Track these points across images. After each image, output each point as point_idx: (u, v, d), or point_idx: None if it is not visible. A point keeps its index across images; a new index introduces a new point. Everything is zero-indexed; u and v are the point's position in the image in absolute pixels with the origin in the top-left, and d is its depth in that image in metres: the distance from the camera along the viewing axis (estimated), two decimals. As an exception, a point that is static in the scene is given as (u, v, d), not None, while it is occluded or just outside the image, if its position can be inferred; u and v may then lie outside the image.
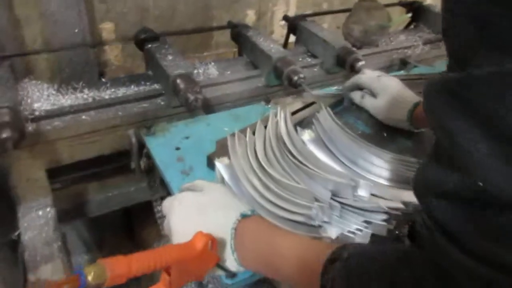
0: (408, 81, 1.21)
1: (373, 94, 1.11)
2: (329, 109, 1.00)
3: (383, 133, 1.06)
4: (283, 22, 2.07)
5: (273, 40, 1.29)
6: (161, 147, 0.95)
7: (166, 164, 0.90)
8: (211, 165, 0.89)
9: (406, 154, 1.00)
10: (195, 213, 0.68)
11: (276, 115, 0.93)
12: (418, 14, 1.68)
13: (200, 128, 1.02)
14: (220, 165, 0.82)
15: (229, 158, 0.85)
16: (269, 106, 1.12)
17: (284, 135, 0.86)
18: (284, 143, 0.86)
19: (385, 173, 0.84)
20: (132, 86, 1.15)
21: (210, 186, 0.74)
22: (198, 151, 0.94)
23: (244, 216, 0.65)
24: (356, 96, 1.14)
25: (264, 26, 2.00)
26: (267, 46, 1.24)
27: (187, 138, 0.99)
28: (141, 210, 1.35)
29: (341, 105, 1.16)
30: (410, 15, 1.45)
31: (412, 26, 1.72)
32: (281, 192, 0.75)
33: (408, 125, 1.02)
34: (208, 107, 1.13)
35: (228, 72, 1.27)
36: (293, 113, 1.05)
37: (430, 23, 1.64)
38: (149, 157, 1.02)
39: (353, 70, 1.27)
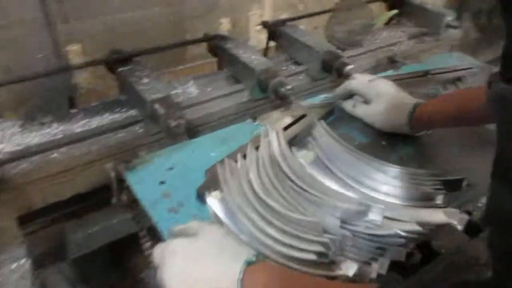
0: (399, 81, 1.15)
1: (366, 101, 1.03)
2: (324, 124, 0.92)
3: (381, 141, 0.99)
4: (259, 27, 1.99)
5: (254, 50, 1.21)
6: (144, 182, 0.85)
7: (151, 202, 0.81)
8: (202, 199, 0.79)
9: (409, 162, 0.93)
10: (191, 264, 0.59)
11: (267, 135, 0.84)
12: (399, 8, 1.62)
13: (184, 156, 0.93)
14: (212, 201, 0.73)
15: (222, 190, 0.77)
16: (257, 123, 1.04)
17: (279, 158, 0.78)
18: (280, 167, 0.77)
19: (395, 191, 0.76)
20: (106, 115, 1.05)
21: (205, 228, 0.65)
22: (185, 184, 0.85)
23: (249, 263, 0.57)
24: (347, 105, 1.07)
25: (239, 33, 1.91)
26: (248, 58, 1.15)
27: (171, 169, 0.89)
28: (127, 240, 1.25)
29: (333, 115, 1.08)
30: (396, 11, 1.38)
31: (394, 21, 1.65)
32: (286, 227, 0.67)
33: (408, 129, 0.95)
34: (192, 131, 1.03)
35: (209, 89, 1.18)
36: (284, 129, 0.97)
37: (412, 16, 1.58)
38: (131, 190, 0.92)
39: (341, 75, 1.19)
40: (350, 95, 1.08)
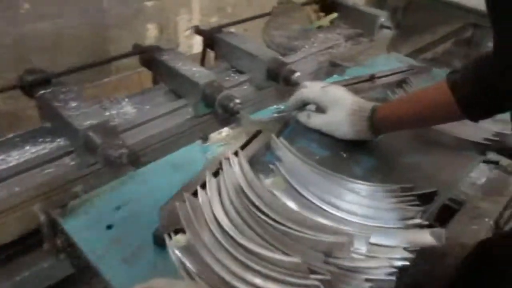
0: (347, 87, 1.11)
1: (322, 109, 0.98)
2: (285, 142, 0.85)
3: (342, 153, 0.94)
4: (188, 32, 1.88)
5: (193, 62, 1.10)
6: (87, 229, 0.72)
7: (99, 254, 0.68)
8: (161, 244, 0.68)
9: (375, 175, 0.89)
10: None
11: (226, 159, 0.75)
12: (332, 10, 1.60)
13: (133, 190, 0.80)
14: (174, 249, 0.62)
15: (184, 232, 0.66)
16: (208, 143, 0.94)
17: (246, 188, 0.69)
18: (248, 198, 0.69)
19: (373, 212, 0.71)
20: (28, 147, 0.89)
21: (173, 285, 0.55)
22: (138, 226, 0.73)
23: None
24: (302, 116, 1.01)
25: (168, 40, 1.79)
26: (189, 71, 1.05)
27: (118, 208, 0.76)
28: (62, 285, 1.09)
29: (288, 127, 1.02)
30: (336, 15, 1.36)
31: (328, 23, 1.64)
32: (266, 270, 0.58)
33: (369, 134, 0.92)
34: (134, 159, 0.91)
35: (147, 107, 1.06)
36: (241, 148, 0.88)
37: (346, 18, 1.57)
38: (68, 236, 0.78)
39: (288, 83, 1.14)
40: (303, 105, 1.02)
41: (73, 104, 0.89)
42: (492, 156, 1.02)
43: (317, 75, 1.38)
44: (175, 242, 0.64)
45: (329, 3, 1.59)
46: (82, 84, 1.53)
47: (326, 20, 1.35)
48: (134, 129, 0.98)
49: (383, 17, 1.49)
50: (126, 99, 1.05)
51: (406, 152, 0.97)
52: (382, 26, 1.51)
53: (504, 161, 1.07)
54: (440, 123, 0.96)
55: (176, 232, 0.68)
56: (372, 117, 0.90)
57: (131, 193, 0.80)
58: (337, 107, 0.94)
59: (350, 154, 0.94)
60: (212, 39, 1.27)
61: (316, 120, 0.98)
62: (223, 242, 0.64)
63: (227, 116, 1.05)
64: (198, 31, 1.33)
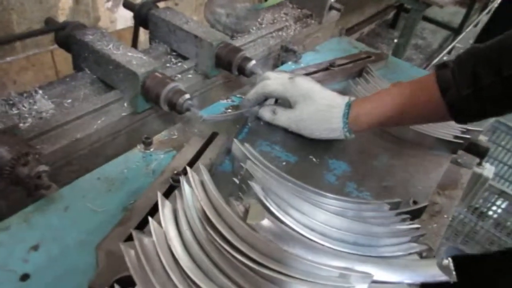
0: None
1: (287, 104, 0.84)
2: (251, 149, 0.70)
3: (311, 158, 0.82)
4: (110, 3, 1.62)
5: (125, 45, 0.90)
6: (-7, 283, 0.52)
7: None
8: (101, 299, 0.51)
9: (346, 181, 0.79)
10: None
11: (185, 180, 0.58)
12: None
13: (54, 220, 0.60)
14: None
15: (131, 282, 0.50)
16: (152, 149, 0.76)
17: (215, 220, 0.54)
18: (218, 232, 0.53)
19: (369, 239, 0.59)
20: None
21: None
22: (64, 273, 0.54)
23: None
24: (265, 113, 0.86)
25: (86, 12, 1.52)
26: (122, 56, 0.84)
27: (35, 248, 0.56)
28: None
29: (245, 127, 0.86)
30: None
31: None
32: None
33: (344, 133, 0.80)
34: (56, 175, 0.70)
35: (69, 101, 0.84)
36: (195, 156, 0.72)
37: (292, -3, 1.43)
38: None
39: (243, 73, 0.98)
40: (265, 99, 0.87)
41: (-35, 101, 0.66)
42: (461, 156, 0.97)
43: (267, 61, 1.24)
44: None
45: (275, -21, 1.44)
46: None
47: (276, 0, 1.20)
48: (53, 131, 0.76)
49: (333, -2, 1.38)
50: (40, 91, 0.82)
51: (377, 154, 0.88)
52: (332, 8, 1.40)
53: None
54: (422, 123, 0.87)
55: (121, 283, 0.51)
56: (348, 113, 0.79)
57: (52, 225, 0.60)
58: (307, 101, 0.80)
59: (320, 158, 0.82)
60: (145, 16, 1.06)
61: (283, 117, 0.84)
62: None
63: (174, 113, 0.87)
64: (127, 5, 1.11)
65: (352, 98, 0.81)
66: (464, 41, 4.11)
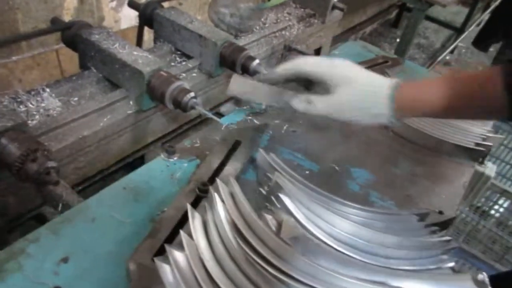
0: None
1: (321, 91, 0.77)
2: (283, 165, 0.69)
3: (333, 166, 0.82)
4: (114, 3, 1.63)
5: (131, 44, 0.91)
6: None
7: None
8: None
9: (369, 190, 0.79)
10: None
11: (216, 192, 0.58)
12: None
13: (82, 231, 0.60)
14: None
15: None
16: (175, 158, 0.76)
17: (246, 233, 0.53)
18: (251, 245, 0.53)
19: (401, 252, 0.59)
20: None
21: None
22: (95, 284, 0.54)
23: None
24: (298, 103, 0.77)
25: (90, 11, 1.53)
26: (129, 55, 0.85)
27: (65, 260, 0.56)
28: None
29: (267, 135, 0.86)
30: (294, -7, 1.22)
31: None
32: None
33: (389, 118, 0.73)
34: (63, 172, 0.71)
35: (76, 99, 0.85)
36: (221, 164, 0.72)
37: (296, -4, 1.44)
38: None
39: (247, 72, 0.99)
40: (290, 80, 0.79)
41: (-25, 99, 0.67)
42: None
43: (270, 60, 1.25)
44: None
45: (278, -21, 1.45)
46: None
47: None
48: (60, 129, 0.78)
49: (336, -3, 1.38)
50: (48, 89, 0.83)
51: (398, 161, 0.88)
52: (335, 7, 1.41)
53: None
54: (475, 119, 0.84)
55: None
56: (394, 96, 0.72)
57: (80, 236, 0.60)
58: (349, 85, 0.74)
59: (342, 166, 0.82)
60: (150, 15, 1.07)
61: (320, 105, 0.75)
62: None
63: (178, 111, 0.88)
64: (132, 4, 1.12)
65: (399, 80, 0.75)
66: (467, 41, 4.11)
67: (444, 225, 0.72)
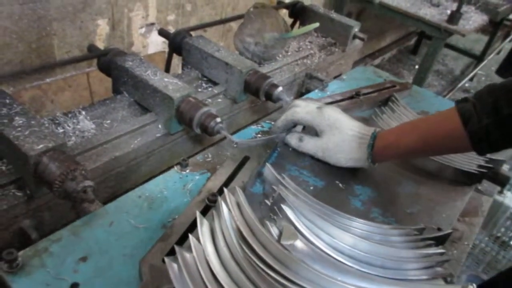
0: (334, 105, 1.03)
1: (314, 132, 0.89)
2: (289, 180, 0.73)
3: (337, 183, 0.85)
4: (143, 30, 1.71)
5: (161, 70, 0.96)
6: (43, 289, 0.57)
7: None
8: (143, 308, 0.55)
9: (372, 207, 0.82)
10: None
11: (223, 201, 0.62)
12: (301, 16, 1.52)
13: (100, 234, 0.65)
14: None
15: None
16: (188, 171, 0.80)
17: (250, 239, 0.57)
18: (254, 251, 0.57)
19: (397, 263, 0.62)
20: (-41, 174, 0.71)
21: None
22: (110, 282, 0.59)
23: None
24: (292, 139, 0.91)
25: (121, 37, 1.61)
26: (160, 82, 0.91)
27: (84, 259, 0.61)
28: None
29: (275, 151, 0.90)
30: (317, 24, 1.26)
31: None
32: None
33: (368, 163, 0.84)
34: (95, 190, 0.76)
35: (108, 122, 0.90)
36: (229, 178, 0.76)
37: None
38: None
39: (270, 99, 1.03)
40: (293, 126, 0.92)
41: (20, 121, 0.72)
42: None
43: (291, 87, 1.29)
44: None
45: (299, 9, 1.51)
46: (19, 84, 1.33)
47: (307, 29, 1.26)
48: (94, 150, 0.83)
49: (356, 27, 1.43)
50: (83, 112, 0.89)
51: (401, 182, 0.91)
52: (355, 37, 1.46)
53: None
54: (444, 154, 0.90)
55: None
56: (373, 145, 0.82)
57: (100, 239, 0.64)
58: (334, 131, 0.85)
59: (346, 184, 0.86)
60: (179, 43, 1.13)
61: (309, 145, 0.88)
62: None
63: (200, 135, 0.92)
64: (163, 33, 1.18)
65: (378, 129, 0.85)
66: (486, 68, 4.11)
67: (440, 241, 0.74)
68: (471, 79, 3.93)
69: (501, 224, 1.96)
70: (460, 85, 3.48)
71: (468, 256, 0.97)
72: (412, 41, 4.42)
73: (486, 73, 4.18)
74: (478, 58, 3.91)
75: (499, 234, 2.12)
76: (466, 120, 0.73)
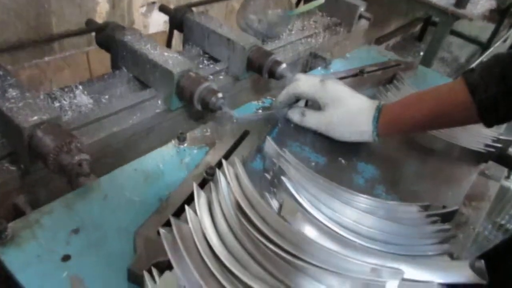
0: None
1: (318, 106, 0.86)
2: (289, 154, 0.71)
3: (340, 159, 0.83)
4: (144, 9, 1.67)
5: (162, 46, 0.93)
6: (35, 263, 0.54)
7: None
8: (138, 282, 0.53)
9: (375, 185, 0.79)
10: None
11: (221, 173, 0.60)
12: (306, -5, 1.48)
13: (94, 206, 0.63)
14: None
15: (168, 265, 0.52)
16: (186, 145, 0.78)
17: (248, 211, 0.55)
18: (252, 223, 0.55)
19: (399, 238, 0.60)
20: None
21: None
22: (105, 256, 0.57)
23: None
24: (294, 114, 0.88)
25: (121, 16, 1.57)
26: (160, 56, 0.87)
27: (76, 231, 0.59)
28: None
29: (276, 128, 0.88)
30: (322, 1, 1.22)
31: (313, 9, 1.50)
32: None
33: (373, 136, 0.81)
34: (93, 166, 0.73)
35: (107, 97, 0.87)
36: (228, 153, 0.74)
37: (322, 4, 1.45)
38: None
39: (273, 76, 1.00)
40: (295, 101, 0.89)
41: (13, 93, 0.69)
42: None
43: (295, 66, 1.26)
44: (163, 284, 0.49)
45: (305, -13, 1.46)
46: (18, 63, 1.31)
47: (312, 5, 1.22)
48: (91, 125, 0.80)
49: (362, 6, 1.39)
50: (80, 87, 0.86)
51: (406, 160, 0.89)
52: (361, 17, 1.42)
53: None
54: (452, 126, 0.88)
55: (158, 266, 0.53)
56: (378, 118, 0.80)
57: (92, 211, 0.62)
58: (337, 104, 0.82)
59: (349, 161, 0.83)
60: (180, 19, 1.09)
61: (312, 119, 0.86)
62: (221, 279, 0.50)
63: (201, 111, 0.90)
64: (164, 9, 1.15)
65: (382, 102, 0.82)
66: (492, 57, 4.05)
67: (446, 218, 0.71)
68: (476, 67, 3.88)
69: (506, 211, 1.94)
70: (465, 72, 3.42)
71: (472, 243, 0.95)
72: (417, 28, 4.36)
73: (492, 61, 4.12)
74: (484, 46, 3.86)
75: (503, 222, 2.10)
76: (473, 89, 0.71)
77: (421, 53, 3.91)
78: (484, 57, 3.71)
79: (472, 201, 0.97)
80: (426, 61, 2.69)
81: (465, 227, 0.88)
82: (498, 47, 3.83)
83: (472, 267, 0.55)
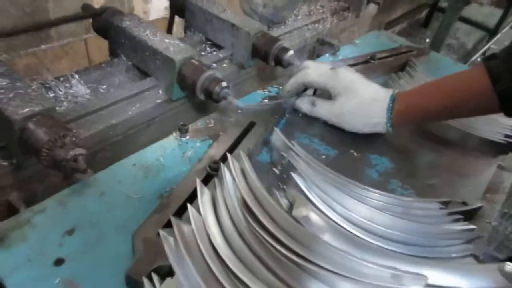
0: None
1: (327, 95, 0.81)
2: (298, 147, 0.67)
3: (352, 152, 0.78)
4: (144, -5, 1.62)
5: (162, 32, 0.88)
6: (25, 266, 0.50)
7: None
8: (134, 287, 0.49)
9: (390, 179, 0.75)
10: None
11: (226, 168, 0.56)
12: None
13: (89, 204, 0.59)
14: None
15: (170, 270, 0.48)
16: (188, 137, 0.74)
17: (256, 210, 0.51)
18: (260, 223, 0.51)
19: (420, 239, 0.55)
20: None
21: None
22: (101, 259, 0.53)
23: None
24: (303, 104, 0.83)
25: (120, 2, 1.52)
26: (160, 43, 0.83)
27: (70, 232, 0.55)
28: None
29: (283, 118, 0.83)
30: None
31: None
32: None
33: (387, 127, 0.77)
34: (90, 161, 0.69)
35: (104, 87, 0.83)
36: (232, 146, 0.70)
37: (329, -11, 1.39)
38: None
39: (279, 64, 0.95)
40: (302, 90, 0.84)
41: (3, 82, 0.65)
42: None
43: (302, 53, 1.20)
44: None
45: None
46: (14, 50, 1.26)
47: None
48: (88, 116, 0.75)
49: (372, -10, 1.33)
50: (77, 76, 0.81)
51: (421, 152, 0.84)
52: (370, 1, 1.36)
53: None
54: (470, 116, 0.83)
55: (159, 272, 0.49)
56: (392, 107, 0.75)
57: (88, 209, 0.58)
58: (349, 93, 0.77)
59: (361, 153, 0.79)
60: (182, 5, 1.04)
61: (322, 109, 0.81)
62: (225, 284, 0.46)
63: (204, 101, 0.85)
64: (164, -7, 1.09)
65: (396, 91, 0.78)
66: (500, 43, 3.96)
67: (468, 215, 0.67)
68: (484, 53, 3.80)
69: (517, 202, 1.90)
70: (473, 58, 3.36)
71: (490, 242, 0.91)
72: (423, 14, 4.26)
73: (499, 48, 4.04)
74: (492, 32, 3.77)
75: (512, 212, 2.05)
76: (495, 78, 0.66)
77: (427, 40, 3.83)
78: (492, 43, 3.63)
79: (487, 193, 0.92)
80: (434, 48, 2.63)
81: (480, 220, 0.84)
82: (506, 33, 3.74)
83: (502, 271, 0.50)
